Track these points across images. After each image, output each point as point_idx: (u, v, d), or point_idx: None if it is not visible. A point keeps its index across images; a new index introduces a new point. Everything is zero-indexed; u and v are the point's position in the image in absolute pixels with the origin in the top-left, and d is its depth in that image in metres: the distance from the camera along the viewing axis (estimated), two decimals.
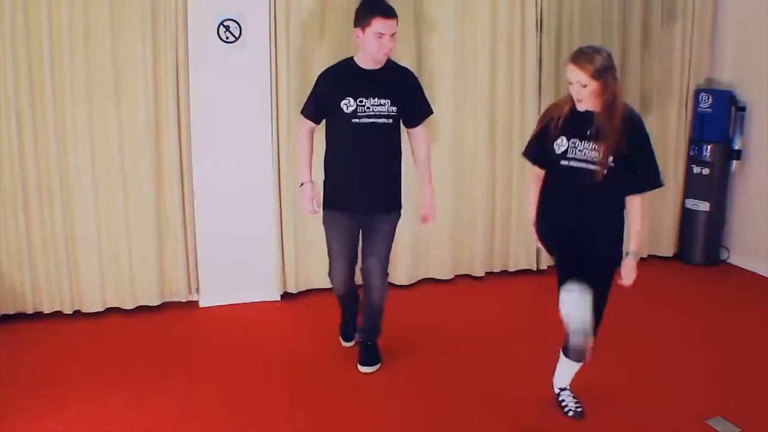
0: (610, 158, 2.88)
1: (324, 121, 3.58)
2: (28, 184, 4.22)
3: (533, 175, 3.26)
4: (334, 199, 3.57)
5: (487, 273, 5.27)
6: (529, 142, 3.26)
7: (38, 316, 4.39)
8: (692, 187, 5.55)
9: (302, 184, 3.60)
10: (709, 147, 5.39)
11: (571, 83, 2.91)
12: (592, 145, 2.93)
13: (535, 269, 5.34)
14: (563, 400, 3.39)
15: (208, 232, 4.61)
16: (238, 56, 4.44)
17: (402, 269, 4.98)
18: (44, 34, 4.07)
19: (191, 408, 3.40)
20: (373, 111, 3.38)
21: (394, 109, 3.41)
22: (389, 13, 3.30)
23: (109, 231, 4.41)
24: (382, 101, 3.39)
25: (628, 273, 3.06)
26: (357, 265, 3.80)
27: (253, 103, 4.54)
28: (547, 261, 5.31)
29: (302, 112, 3.61)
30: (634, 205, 3.01)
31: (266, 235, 4.71)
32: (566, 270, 3.06)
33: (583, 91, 2.87)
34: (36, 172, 4.22)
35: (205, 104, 4.45)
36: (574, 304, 2.96)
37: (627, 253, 3.06)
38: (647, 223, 5.59)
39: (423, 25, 4.77)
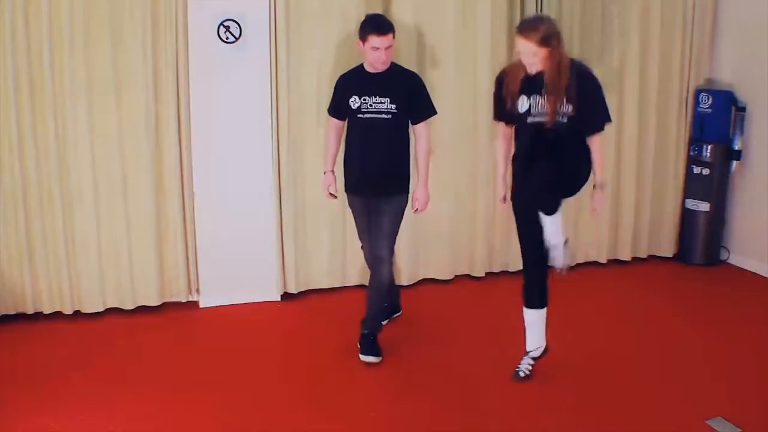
0: (570, 108, 3.26)
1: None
2: (28, 184, 4.22)
3: (502, 135, 3.61)
4: (349, 184, 4.05)
5: (487, 273, 5.26)
6: (495, 107, 3.57)
7: (38, 316, 4.39)
8: (692, 187, 5.55)
9: (324, 173, 4.10)
10: (709, 147, 5.39)
11: (521, 53, 3.24)
12: (545, 99, 3.29)
13: None
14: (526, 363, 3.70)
15: (208, 232, 4.61)
16: (238, 56, 4.44)
17: (402, 269, 4.98)
18: (44, 34, 4.07)
19: (191, 408, 3.40)
20: (374, 108, 3.84)
21: (393, 106, 3.82)
22: (383, 30, 3.73)
23: (109, 231, 4.41)
24: (382, 99, 3.82)
25: (596, 202, 3.48)
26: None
27: (253, 103, 4.54)
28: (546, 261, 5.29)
29: (328, 111, 4.11)
30: (594, 144, 3.40)
31: (266, 235, 4.71)
32: (529, 235, 3.60)
33: (533, 59, 3.22)
34: (36, 173, 4.22)
35: (205, 104, 4.45)
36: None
37: (594, 186, 3.46)
38: (646, 222, 5.61)
39: (423, 26, 4.77)
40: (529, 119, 3.34)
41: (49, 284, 4.36)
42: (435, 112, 3.99)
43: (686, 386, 3.64)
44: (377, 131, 3.88)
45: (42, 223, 4.28)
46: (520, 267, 5.23)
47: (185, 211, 4.56)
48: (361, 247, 4.17)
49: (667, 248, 5.70)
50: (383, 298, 4.06)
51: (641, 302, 4.83)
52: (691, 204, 5.56)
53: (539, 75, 3.27)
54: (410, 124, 3.96)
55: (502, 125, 3.60)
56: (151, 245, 4.49)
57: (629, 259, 5.57)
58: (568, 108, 3.26)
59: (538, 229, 3.45)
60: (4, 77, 4.06)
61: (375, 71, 3.84)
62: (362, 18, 3.89)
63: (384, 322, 4.18)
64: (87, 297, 4.45)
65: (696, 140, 5.48)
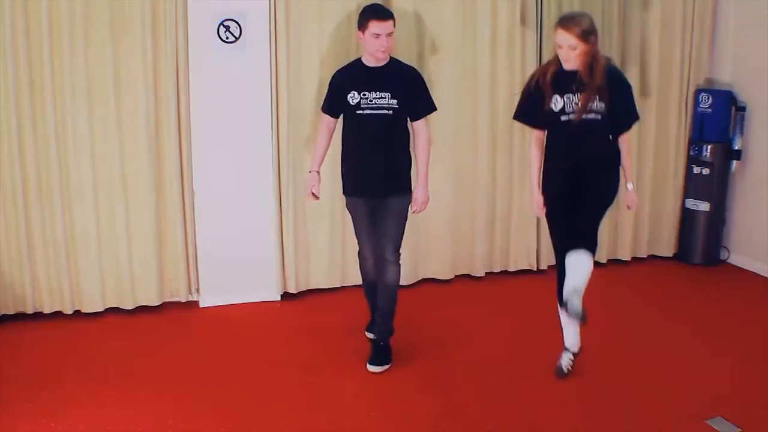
0: (603, 106, 3.31)
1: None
2: (28, 184, 4.22)
3: (536, 139, 3.60)
4: (349, 186, 3.93)
5: (487, 273, 5.26)
6: (518, 106, 3.64)
7: (38, 316, 4.39)
8: (692, 187, 5.54)
9: (310, 172, 3.98)
10: (709, 147, 5.39)
11: (560, 47, 3.29)
12: (579, 97, 3.32)
13: (535, 269, 5.34)
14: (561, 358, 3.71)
15: (208, 232, 4.61)
16: (238, 56, 4.44)
17: (402, 269, 4.95)
18: (44, 34, 4.07)
19: (191, 408, 3.40)
20: (375, 103, 3.74)
21: (395, 102, 3.74)
22: (383, 16, 3.67)
23: (109, 231, 4.41)
24: (383, 94, 3.73)
25: (631, 201, 3.61)
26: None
27: (253, 103, 4.54)
28: (547, 261, 5.31)
29: (321, 108, 3.99)
30: (624, 143, 3.49)
31: (266, 235, 4.71)
32: (561, 236, 3.56)
33: (572, 53, 3.26)
34: (36, 172, 4.22)
35: (205, 104, 4.45)
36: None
37: (627, 185, 3.55)
38: (646, 222, 5.61)
39: (423, 26, 4.77)
40: (563, 117, 3.37)
41: (49, 284, 4.36)
42: (435, 109, 3.93)
43: (686, 386, 3.64)
44: (378, 128, 3.77)
45: (42, 223, 4.28)
46: (520, 267, 5.31)
47: (185, 211, 4.56)
48: (358, 253, 4.07)
49: (667, 248, 5.70)
50: (393, 301, 3.94)
51: (641, 302, 4.83)
52: (691, 204, 5.56)
53: (573, 72, 3.31)
54: (409, 121, 3.87)
55: (535, 131, 3.59)
56: (151, 245, 4.49)
57: (629, 259, 5.57)
58: (601, 105, 3.31)
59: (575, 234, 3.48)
60: (4, 77, 4.07)
61: (375, 64, 3.75)
62: None
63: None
64: (87, 297, 4.45)
65: (696, 140, 5.47)
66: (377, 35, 3.63)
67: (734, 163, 5.40)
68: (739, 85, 5.38)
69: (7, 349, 3.99)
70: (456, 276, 5.20)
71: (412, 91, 3.81)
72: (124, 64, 4.25)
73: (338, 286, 4.95)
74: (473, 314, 4.64)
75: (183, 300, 4.67)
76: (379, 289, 3.95)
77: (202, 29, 4.35)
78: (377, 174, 3.81)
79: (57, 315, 4.41)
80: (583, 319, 3.34)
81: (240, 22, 4.41)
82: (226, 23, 4.39)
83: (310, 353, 4.04)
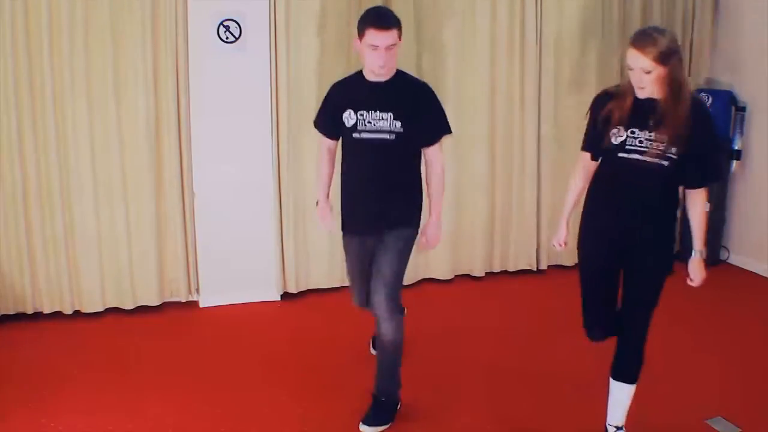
0: (674, 150, 2.65)
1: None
2: (28, 184, 4.22)
3: (582, 168, 2.99)
4: (345, 222, 3.32)
5: (487, 273, 5.26)
6: (586, 135, 2.95)
7: (38, 316, 4.39)
8: None
9: (317, 203, 3.46)
10: None
11: (631, 69, 2.62)
12: (653, 135, 2.67)
13: (535, 269, 5.34)
14: None
15: (208, 232, 4.61)
16: (238, 56, 4.44)
17: None
18: (44, 34, 4.07)
19: (191, 408, 3.40)
20: (374, 126, 3.08)
21: (398, 124, 3.06)
22: (383, 25, 2.96)
23: (109, 231, 4.42)
24: (384, 115, 3.07)
25: (695, 273, 2.94)
26: None
27: (253, 103, 4.54)
28: (546, 261, 5.31)
29: (314, 123, 3.41)
30: (697, 200, 2.83)
31: (266, 235, 4.71)
32: (594, 294, 3.00)
33: (646, 78, 2.59)
34: (36, 173, 4.22)
35: (205, 104, 4.45)
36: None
37: (693, 251, 2.92)
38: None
39: (424, 29, 4.77)
40: (621, 154, 2.73)
41: (49, 284, 4.36)
42: (449, 131, 3.25)
43: (686, 386, 3.64)
44: (378, 156, 3.12)
45: (42, 223, 4.28)
46: (520, 267, 5.30)
47: (185, 211, 4.56)
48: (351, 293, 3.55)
49: None
50: (394, 359, 3.25)
51: None
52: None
53: (648, 102, 2.66)
54: (421, 148, 3.23)
55: (586, 157, 2.97)
56: (151, 245, 4.49)
57: None
58: (672, 150, 2.65)
59: (611, 290, 2.96)
60: (4, 77, 4.06)
61: (376, 79, 3.08)
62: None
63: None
64: (87, 297, 4.45)
65: None
66: (375, 47, 2.96)
67: (734, 163, 5.40)
68: (739, 85, 5.38)
69: (7, 349, 3.99)
70: (456, 276, 5.20)
71: (421, 112, 3.12)
72: (124, 64, 4.25)
73: (338, 286, 4.95)
74: (473, 314, 4.64)
75: (183, 300, 4.67)
76: (378, 344, 3.29)
77: (202, 29, 4.35)
78: (375, 210, 3.19)
79: (57, 315, 4.41)
80: None
81: (240, 22, 4.41)
82: (226, 23, 4.39)
83: (309, 353, 4.04)
